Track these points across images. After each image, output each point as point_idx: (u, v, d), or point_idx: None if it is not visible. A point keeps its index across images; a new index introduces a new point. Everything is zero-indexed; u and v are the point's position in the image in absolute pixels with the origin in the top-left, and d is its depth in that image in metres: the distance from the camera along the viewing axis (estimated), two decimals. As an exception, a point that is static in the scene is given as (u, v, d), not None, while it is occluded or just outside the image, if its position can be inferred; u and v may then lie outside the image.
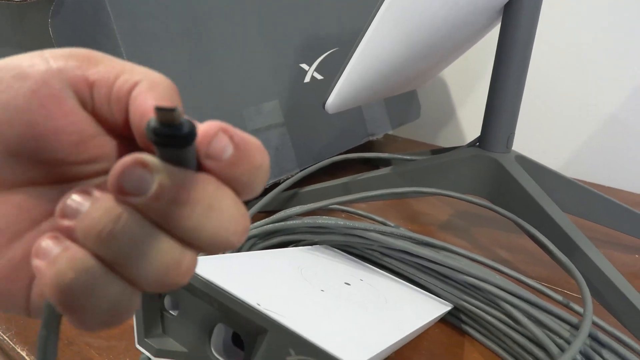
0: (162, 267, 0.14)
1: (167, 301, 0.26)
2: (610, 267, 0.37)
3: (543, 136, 0.75)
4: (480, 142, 0.47)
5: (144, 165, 0.13)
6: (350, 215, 0.52)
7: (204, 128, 0.14)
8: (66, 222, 0.14)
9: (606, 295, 0.37)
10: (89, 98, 0.16)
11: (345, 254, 0.42)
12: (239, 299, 0.22)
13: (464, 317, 0.37)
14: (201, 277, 0.24)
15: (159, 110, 0.13)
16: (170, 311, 0.26)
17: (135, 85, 0.15)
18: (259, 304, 0.23)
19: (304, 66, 0.58)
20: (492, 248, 0.50)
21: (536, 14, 0.42)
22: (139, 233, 0.14)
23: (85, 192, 0.14)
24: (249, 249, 0.40)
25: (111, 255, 0.14)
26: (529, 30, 0.42)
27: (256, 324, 0.22)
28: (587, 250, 0.38)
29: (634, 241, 0.51)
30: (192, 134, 0.13)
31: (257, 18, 0.53)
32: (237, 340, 0.26)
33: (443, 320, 0.38)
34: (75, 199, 0.14)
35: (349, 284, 0.34)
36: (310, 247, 0.42)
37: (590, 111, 0.71)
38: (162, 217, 0.14)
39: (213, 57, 0.48)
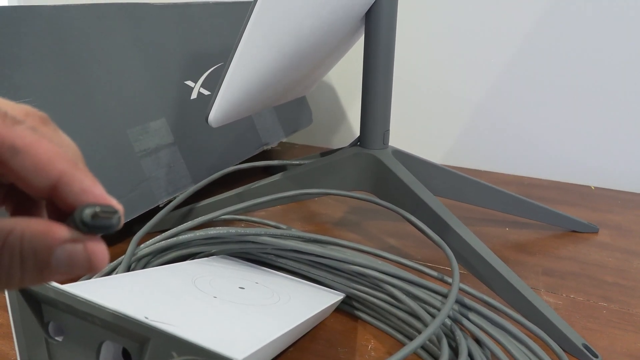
0: None
1: (51, 328, 0.26)
2: (478, 241, 0.42)
3: (421, 130, 0.82)
4: (360, 141, 0.50)
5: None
6: (249, 223, 0.54)
7: None
8: None
9: (476, 266, 0.41)
10: None
11: (242, 260, 0.43)
12: (120, 313, 0.23)
13: (355, 304, 0.40)
14: (82, 298, 0.24)
15: (104, 211, 0.15)
16: (56, 338, 0.26)
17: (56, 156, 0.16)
18: (146, 317, 0.24)
19: (190, 83, 0.59)
20: (382, 237, 0.53)
21: (393, 20, 0.46)
22: None
23: None
24: (144, 267, 0.40)
25: None
26: (388, 34, 0.46)
27: (139, 334, 0.23)
28: (457, 229, 0.42)
29: (503, 216, 0.58)
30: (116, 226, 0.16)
31: (132, 38, 0.53)
32: (127, 355, 0.26)
33: (339, 309, 0.40)
34: None
35: (243, 288, 0.36)
36: (207, 258, 0.43)
37: (461, 103, 0.78)
38: None
39: (87, 78, 0.47)
